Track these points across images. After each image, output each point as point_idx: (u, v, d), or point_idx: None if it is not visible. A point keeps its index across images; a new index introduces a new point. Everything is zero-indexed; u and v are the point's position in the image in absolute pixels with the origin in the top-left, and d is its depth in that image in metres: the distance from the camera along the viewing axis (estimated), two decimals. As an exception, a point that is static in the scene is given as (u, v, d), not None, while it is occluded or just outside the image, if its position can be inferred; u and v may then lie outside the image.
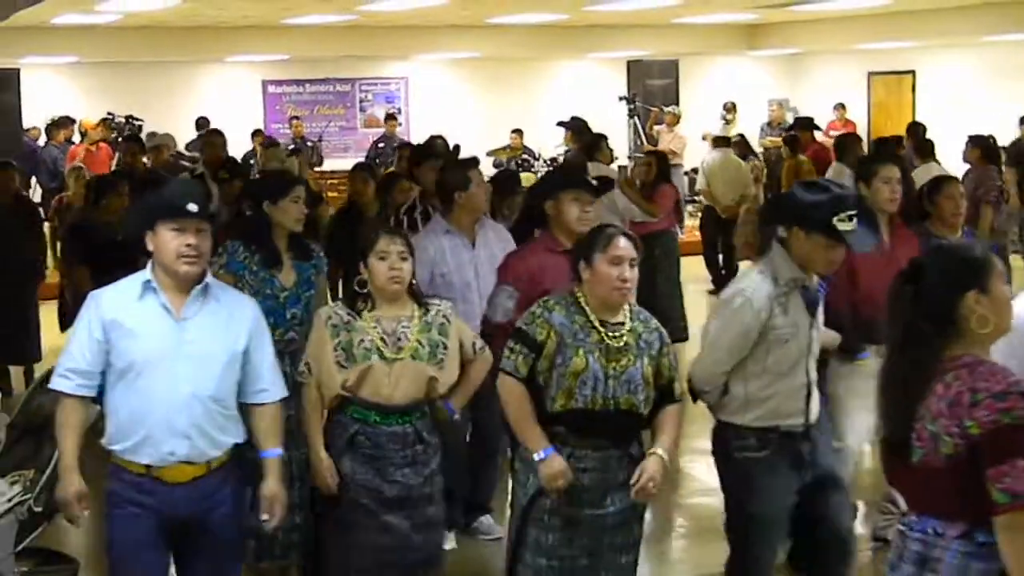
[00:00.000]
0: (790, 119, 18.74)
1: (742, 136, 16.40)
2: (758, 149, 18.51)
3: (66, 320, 9.92)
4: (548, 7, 16.10)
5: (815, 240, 4.42)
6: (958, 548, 3.06)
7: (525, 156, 17.66)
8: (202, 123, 18.00)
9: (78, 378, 4.11)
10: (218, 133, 12.04)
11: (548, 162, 17.23)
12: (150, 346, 4.06)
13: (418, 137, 14.26)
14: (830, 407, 5.13)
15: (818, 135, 16.17)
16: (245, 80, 20.73)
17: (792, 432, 4.57)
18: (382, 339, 4.53)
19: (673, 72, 22.04)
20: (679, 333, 9.92)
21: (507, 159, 17.43)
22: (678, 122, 18.60)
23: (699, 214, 14.87)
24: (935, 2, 16.39)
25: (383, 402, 4.52)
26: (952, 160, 12.38)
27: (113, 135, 16.80)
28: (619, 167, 15.16)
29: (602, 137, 10.86)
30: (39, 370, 8.66)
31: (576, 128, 12.48)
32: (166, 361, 4.05)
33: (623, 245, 4.31)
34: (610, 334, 4.32)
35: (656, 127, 18.85)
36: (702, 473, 7.40)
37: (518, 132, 18.21)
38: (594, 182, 5.55)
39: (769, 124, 19.83)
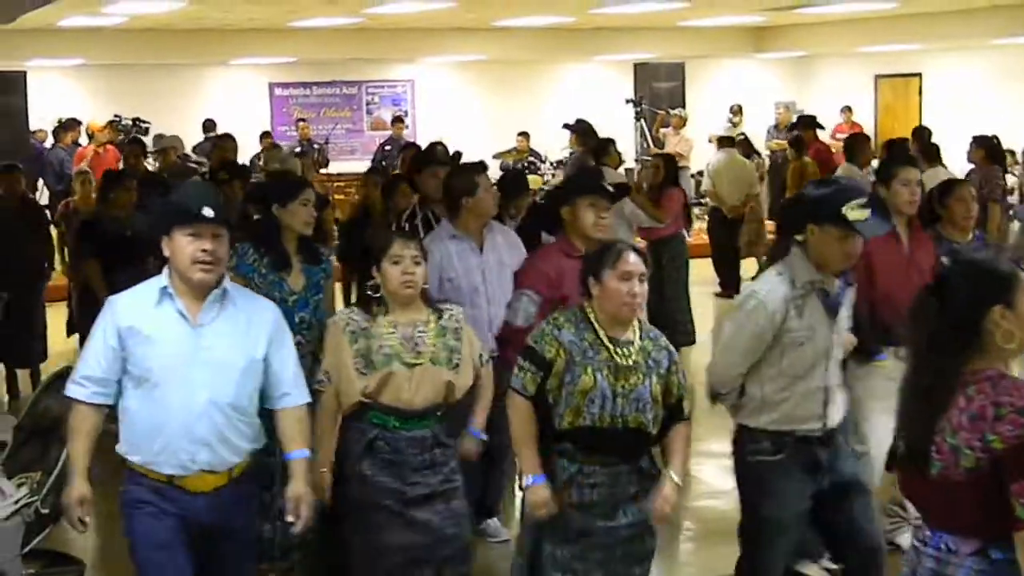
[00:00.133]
0: (796, 122, 18.71)
1: (745, 136, 16.37)
2: (764, 152, 18.50)
3: (72, 325, 9.96)
4: (554, 10, 16.07)
5: (828, 232, 4.39)
6: (971, 565, 3.04)
7: (531, 159, 17.63)
8: (209, 125, 18.01)
9: (93, 386, 4.08)
10: (230, 138, 12.05)
11: (554, 165, 17.23)
12: (166, 353, 4.02)
13: (424, 140, 14.22)
14: (850, 410, 5.04)
15: (825, 138, 16.11)
16: (251, 83, 20.71)
17: (808, 437, 4.54)
18: (401, 344, 4.52)
19: (679, 75, 21.98)
20: (686, 337, 9.92)
21: (513, 162, 17.39)
22: (684, 125, 18.59)
23: (705, 217, 14.86)
24: (942, 5, 16.36)
25: (403, 407, 4.52)
26: (959, 163, 12.36)
27: (120, 137, 16.75)
28: (626, 170, 15.14)
29: (610, 141, 10.84)
30: (45, 372, 8.66)
31: (581, 131, 12.44)
32: (182, 368, 4.01)
33: (633, 260, 4.30)
34: (619, 352, 4.31)
35: (662, 130, 18.82)
36: (710, 476, 7.40)
37: (524, 135, 18.17)
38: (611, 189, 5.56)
39: (776, 127, 19.81)
